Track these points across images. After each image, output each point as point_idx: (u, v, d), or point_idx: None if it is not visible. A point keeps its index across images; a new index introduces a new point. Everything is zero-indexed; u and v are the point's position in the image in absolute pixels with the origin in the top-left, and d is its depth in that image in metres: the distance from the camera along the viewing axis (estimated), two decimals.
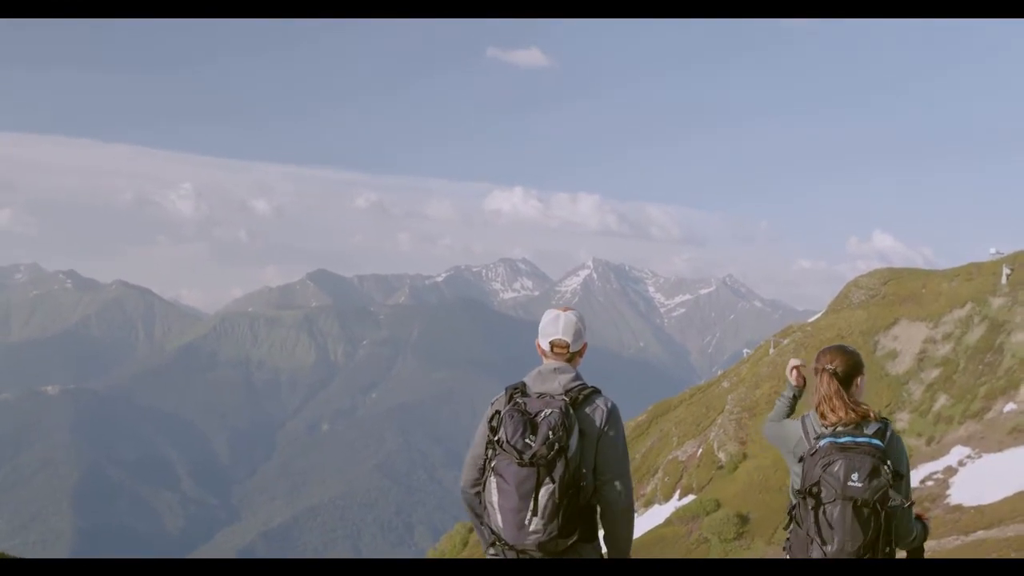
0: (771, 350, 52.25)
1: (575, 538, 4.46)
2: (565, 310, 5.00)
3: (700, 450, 45.55)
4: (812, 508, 4.54)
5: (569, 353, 4.86)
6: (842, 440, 4.60)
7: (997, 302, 43.94)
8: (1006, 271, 45.11)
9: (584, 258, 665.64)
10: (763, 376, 47.77)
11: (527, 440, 4.37)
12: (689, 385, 74.94)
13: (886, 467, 4.48)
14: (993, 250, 50.80)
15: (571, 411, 4.51)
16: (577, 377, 4.79)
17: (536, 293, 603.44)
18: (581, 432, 4.52)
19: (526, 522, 4.36)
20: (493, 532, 4.50)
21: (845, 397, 4.82)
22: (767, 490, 38.15)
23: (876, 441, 4.59)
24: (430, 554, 61.36)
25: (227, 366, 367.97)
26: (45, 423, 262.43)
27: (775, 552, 34.71)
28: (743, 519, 36.37)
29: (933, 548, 25.42)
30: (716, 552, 34.95)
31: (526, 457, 4.34)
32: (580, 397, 4.64)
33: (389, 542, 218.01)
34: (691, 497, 41.93)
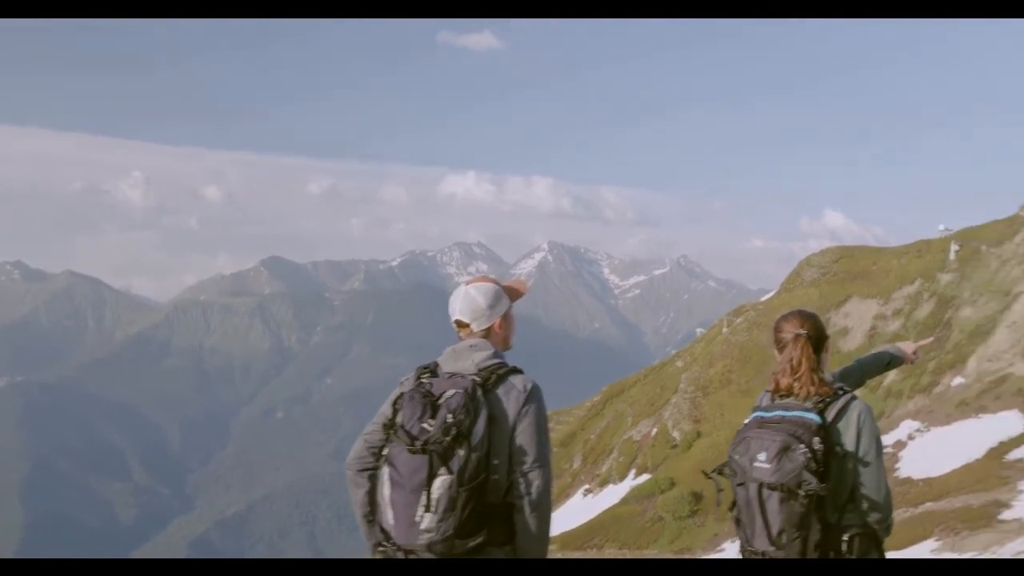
0: (724, 329, 52.61)
1: (479, 539, 3.79)
2: (477, 281, 4.44)
3: (655, 429, 45.79)
4: (721, 491, 4.15)
5: (478, 332, 4.26)
6: (769, 415, 4.03)
7: (945, 278, 44.51)
8: (954, 247, 45.70)
9: (539, 241, 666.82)
10: (717, 355, 48.09)
11: (424, 424, 3.76)
12: (644, 365, 75.32)
13: (803, 446, 3.81)
14: (942, 227, 51.45)
15: (479, 392, 3.87)
16: (496, 355, 4.14)
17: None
18: (492, 417, 3.86)
19: (417, 519, 3.72)
20: (383, 531, 3.86)
21: (817, 369, 4.21)
22: None
23: (810, 415, 3.94)
24: None
25: (180, 354, 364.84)
26: None
27: (728, 529, 35.02)
28: (697, 497, 36.59)
29: None
30: (670, 530, 35.18)
31: (418, 443, 3.72)
32: (493, 377, 3.99)
33: (345, 529, 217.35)
34: (646, 476, 42.17)
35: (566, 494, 48.09)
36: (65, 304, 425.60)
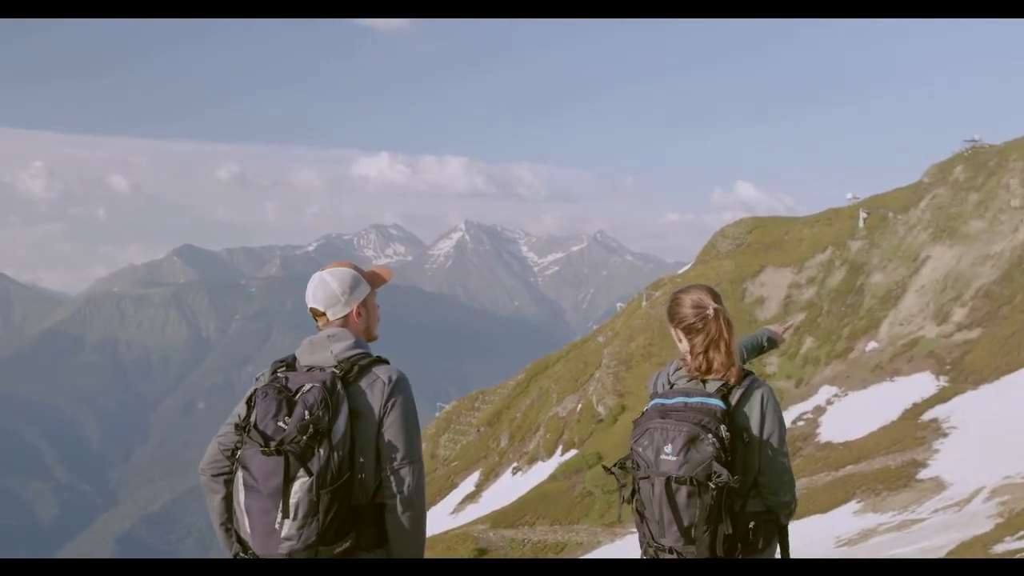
0: (643, 303, 53.22)
1: (346, 544, 3.51)
2: (333, 266, 4.02)
3: (579, 405, 46.23)
4: (623, 486, 3.81)
5: (337, 320, 3.90)
6: (671, 402, 3.72)
7: (856, 245, 45.59)
8: (862, 215, 46.81)
9: (455, 221, 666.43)
10: (637, 329, 48.64)
11: (280, 423, 3.42)
12: (566, 342, 75.86)
13: (711, 435, 3.54)
14: (850, 195, 52.66)
15: (338, 386, 3.55)
16: (357, 344, 3.80)
17: (410, 258, 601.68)
18: (354, 411, 3.56)
19: (276, 526, 3.39)
20: (240, 541, 3.53)
21: (734, 349, 3.90)
22: None
23: (714, 401, 3.67)
24: None
25: (94, 348, 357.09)
26: None
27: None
28: (625, 471, 37.05)
29: (806, 484, 26.40)
30: (600, 504, 35.58)
31: (273, 444, 3.38)
32: (355, 369, 3.66)
33: None
34: (573, 452, 42.56)
35: (495, 473, 48.34)
36: None
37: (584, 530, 34.15)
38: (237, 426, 3.58)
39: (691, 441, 3.54)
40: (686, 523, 3.56)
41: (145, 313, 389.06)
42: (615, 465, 3.77)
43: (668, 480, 3.54)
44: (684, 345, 3.94)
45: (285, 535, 3.38)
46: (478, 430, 56.01)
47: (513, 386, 59.24)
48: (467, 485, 48.76)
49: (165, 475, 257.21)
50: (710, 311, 3.86)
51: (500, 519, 36.99)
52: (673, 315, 3.97)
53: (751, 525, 3.71)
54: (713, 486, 3.51)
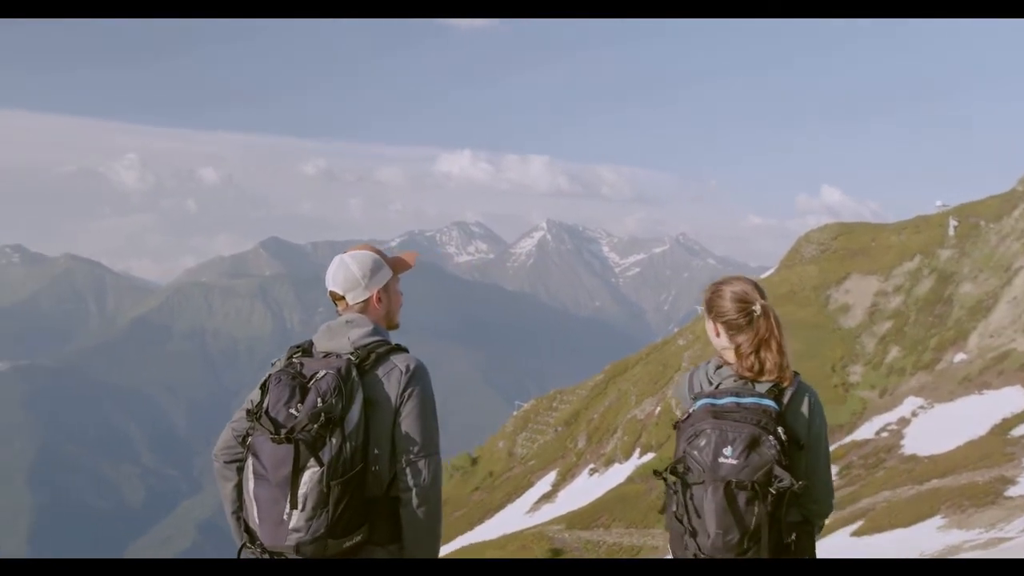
0: None
1: (357, 538, 3.35)
2: (356, 249, 3.97)
3: (658, 408, 45.98)
4: (676, 492, 3.43)
5: (354, 305, 3.80)
6: (721, 402, 3.44)
7: (945, 254, 44.63)
8: (952, 223, 45.80)
9: (537, 219, 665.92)
10: None
11: (292, 410, 3.29)
12: (646, 343, 75.46)
13: (772, 437, 3.31)
14: (939, 203, 51.53)
15: (353, 373, 3.41)
16: (376, 331, 3.67)
17: (491, 256, 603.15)
18: (369, 400, 3.42)
19: (284, 517, 3.25)
20: (248, 530, 3.40)
21: (786, 348, 3.63)
22: None
23: (768, 402, 3.42)
24: None
25: (182, 337, 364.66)
26: None
27: None
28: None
29: (887, 498, 25.95)
30: None
31: (282, 431, 3.25)
32: (372, 356, 3.52)
33: None
34: (651, 455, 42.37)
35: (572, 473, 48.33)
36: (65, 288, 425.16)
37: (660, 535, 33.99)
38: (249, 412, 3.44)
39: (753, 443, 3.29)
40: (742, 531, 3.28)
41: (232, 304, 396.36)
42: (666, 470, 3.45)
43: (728, 484, 3.26)
44: (722, 340, 3.68)
45: (293, 526, 3.24)
46: (556, 430, 56.05)
47: (592, 387, 59.14)
48: (543, 485, 48.82)
49: None
50: (757, 308, 3.60)
51: (576, 520, 37.00)
52: (713, 307, 3.70)
53: (792, 536, 3.45)
54: (773, 491, 3.27)
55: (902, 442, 33.13)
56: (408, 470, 3.43)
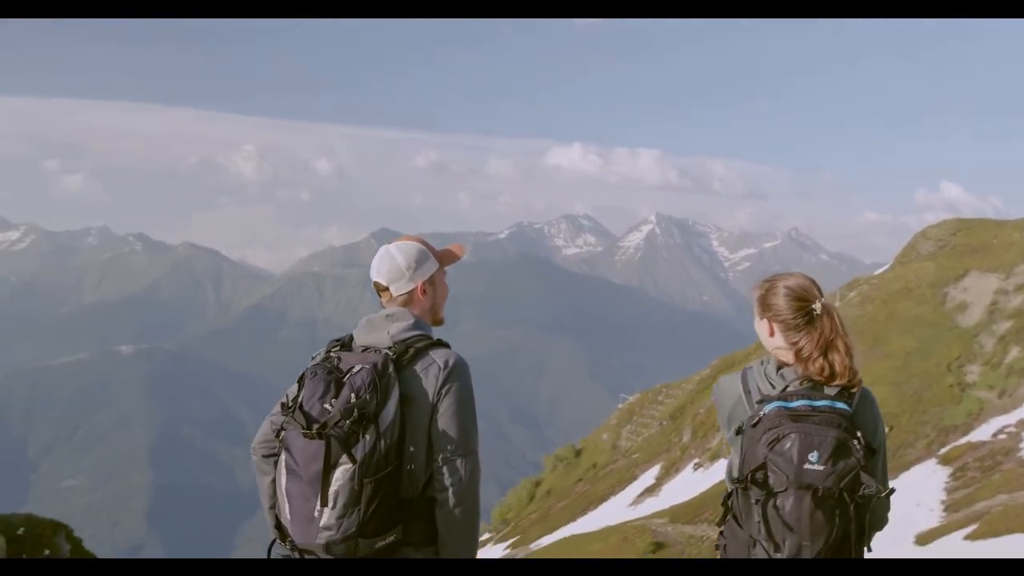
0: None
1: (390, 539, 3.23)
2: (402, 240, 3.85)
3: None
4: (757, 501, 3.14)
5: (398, 296, 3.68)
6: (794, 405, 3.18)
7: None
8: None
9: (646, 213, 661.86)
10: None
11: (326, 405, 3.18)
12: (754, 339, 74.32)
13: (856, 441, 3.09)
14: None
15: (390, 368, 3.29)
16: (416, 325, 3.54)
17: (599, 249, 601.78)
18: (406, 397, 3.30)
19: (315, 514, 3.14)
20: (279, 526, 3.31)
21: (853, 349, 3.38)
22: None
23: (841, 405, 3.19)
24: (496, 509, 62.10)
25: (294, 325, 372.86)
26: (120, 382, 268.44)
27: None
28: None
29: (1004, 501, 25.20)
30: None
31: (314, 426, 3.14)
32: (411, 351, 3.41)
33: None
34: None
35: (676, 468, 48.04)
36: (185, 275, 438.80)
37: None
38: (283, 405, 3.35)
39: (839, 448, 3.05)
40: (827, 541, 3.05)
41: (343, 293, 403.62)
42: (747, 477, 3.16)
43: (815, 492, 3.02)
44: (777, 340, 3.43)
45: (324, 524, 3.13)
46: (661, 424, 55.77)
47: (698, 381, 58.64)
48: (647, 478, 48.63)
49: None
50: (817, 306, 3.37)
51: (679, 514, 36.79)
52: (767, 306, 3.45)
53: (866, 548, 3.27)
54: (860, 498, 3.05)
55: (1020, 445, 32.12)
56: (444, 469, 3.31)
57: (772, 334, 3.44)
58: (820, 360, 3.30)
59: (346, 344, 3.52)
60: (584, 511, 46.53)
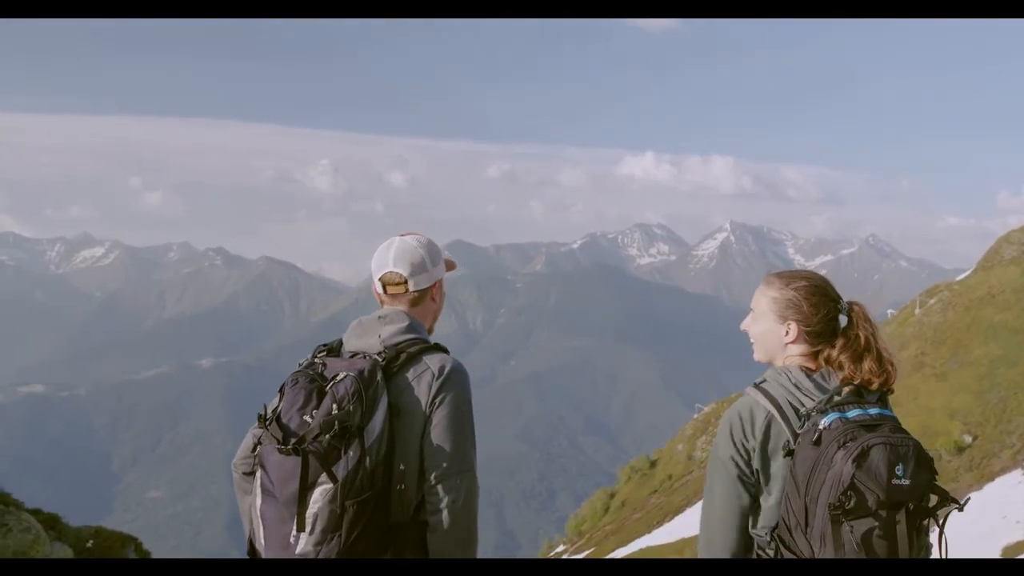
0: (917, 310, 50.64)
1: None
2: (405, 235, 3.28)
3: None
4: (851, 527, 2.57)
5: (411, 293, 3.19)
6: (852, 414, 2.70)
7: None
8: None
9: (720, 221, 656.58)
10: (909, 337, 46.37)
11: (306, 417, 2.77)
12: None
13: (927, 452, 2.67)
14: None
15: (378, 375, 2.88)
16: (411, 328, 3.10)
17: (673, 258, 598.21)
18: (395, 408, 2.90)
19: (291, 540, 2.73)
20: (253, 552, 2.92)
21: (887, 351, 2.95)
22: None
23: (889, 412, 2.79)
24: (571, 520, 61.87)
25: None
26: (200, 395, 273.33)
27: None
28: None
29: None
30: None
31: (291, 441, 2.73)
32: (402, 356, 2.98)
33: (532, 509, 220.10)
34: None
35: None
36: (262, 288, 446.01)
37: None
38: (260, 416, 2.91)
39: (920, 459, 2.62)
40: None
41: None
42: (840, 504, 2.57)
43: (907, 510, 2.58)
44: (800, 346, 3.03)
45: (300, 551, 2.72)
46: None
47: None
48: None
49: None
50: (844, 309, 3.02)
51: None
52: (792, 307, 3.03)
53: None
54: (940, 515, 2.68)
55: None
56: (438, 489, 2.90)
57: (796, 340, 3.04)
58: (855, 366, 2.90)
59: (334, 349, 3.14)
60: (659, 523, 46.09)
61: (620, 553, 40.92)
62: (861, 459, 2.58)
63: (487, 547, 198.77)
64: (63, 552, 10.15)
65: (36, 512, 11.09)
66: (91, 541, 10.74)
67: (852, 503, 2.56)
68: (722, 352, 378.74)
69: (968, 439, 34.77)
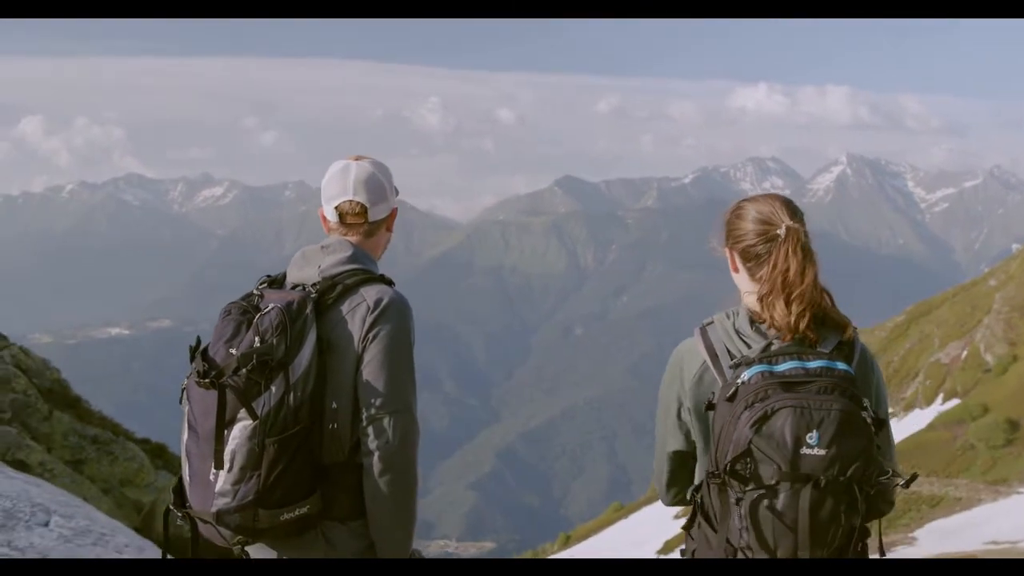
0: None
1: (302, 510, 2.64)
2: (356, 159, 3.06)
3: (965, 352, 43.78)
4: (739, 500, 2.26)
5: (369, 224, 2.99)
6: (782, 368, 2.33)
7: None
8: None
9: (835, 154, 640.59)
10: None
11: (232, 349, 2.61)
12: (953, 284, 71.57)
13: (865, 414, 2.25)
14: None
15: (308, 308, 2.69)
16: (354, 258, 2.89)
17: (787, 192, 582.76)
18: (328, 342, 2.71)
19: (211, 477, 2.59)
20: (180, 489, 2.71)
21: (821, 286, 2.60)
22: None
23: (842, 365, 2.37)
24: None
25: (481, 273, 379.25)
26: None
27: None
28: (1013, 425, 34.88)
29: None
30: (983, 460, 33.70)
31: (210, 374, 2.57)
32: (339, 288, 2.78)
33: (644, 445, 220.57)
34: (955, 401, 40.54)
35: None
36: None
37: (964, 485, 32.60)
38: (190, 348, 2.70)
39: (845, 424, 2.21)
40: (828, 546, 2.23)
41: (528, 241, 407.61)
42: (723, 470, 2.26)
43: (815, 484, 2.18)
44: (742, 278, 2.71)
45: (219, 489, 2.57)
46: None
47: (892, 327, 56.91)
48: None
49: (543, 396, 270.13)
50: (781, 230, 2.56)
51: None
52: (730, 232, 2.73)
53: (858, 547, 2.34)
54: (871, 490, 2.24)
55: None
56: (370, 429, 2.72)
57: (736, 270, 2.74)
58: (777, 307, 2.50)
59: (277, 280, 2.91)
60: None
61: None
62: (761, 423, 2.23)
63: (600, 480, 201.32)
64: (168, 480, 10.69)
65: (144, 442, 11.76)
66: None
67: (749, 471, 2.23)
68: (838, 288, 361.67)
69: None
